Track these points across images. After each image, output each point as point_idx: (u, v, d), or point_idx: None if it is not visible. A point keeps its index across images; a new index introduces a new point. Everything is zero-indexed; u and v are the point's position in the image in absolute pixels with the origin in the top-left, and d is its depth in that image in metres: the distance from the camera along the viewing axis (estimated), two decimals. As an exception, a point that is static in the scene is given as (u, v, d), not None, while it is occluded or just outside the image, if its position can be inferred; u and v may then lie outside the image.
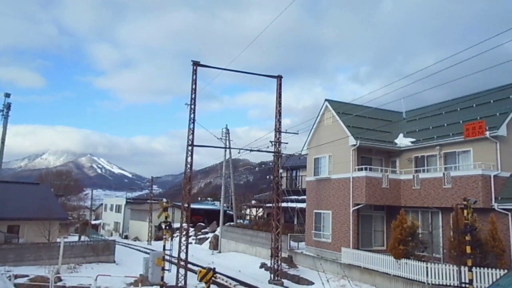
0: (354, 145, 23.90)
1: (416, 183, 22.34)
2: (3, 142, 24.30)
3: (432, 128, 24.14)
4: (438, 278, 16.94)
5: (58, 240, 27.77)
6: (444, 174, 20.81)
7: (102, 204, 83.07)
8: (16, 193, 31.32)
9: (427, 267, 17.25)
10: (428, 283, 17.07)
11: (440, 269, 17.15)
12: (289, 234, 28.80)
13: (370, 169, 23.49)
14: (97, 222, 75.07)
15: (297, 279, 22.79)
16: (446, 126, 23.19)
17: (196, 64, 22.59)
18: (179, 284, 20.64)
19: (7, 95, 24.17)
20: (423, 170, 23.08)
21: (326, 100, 27.58)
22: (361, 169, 23.37)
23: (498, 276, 14.96)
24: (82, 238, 42.47)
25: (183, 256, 21.06)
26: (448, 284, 16.69)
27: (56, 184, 67.40)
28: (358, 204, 23.21)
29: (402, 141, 25.08)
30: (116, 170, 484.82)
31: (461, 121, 21.92)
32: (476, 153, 20.51)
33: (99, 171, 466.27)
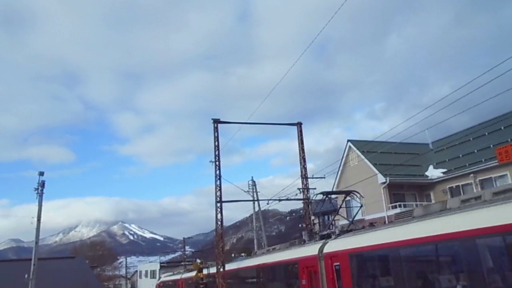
0: (384, 182, 23.40)
1: (456, 214, 21.36)
2: (39, 220, 24.84)
3: (463, 156, 23.51)
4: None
5: (96, 313, 27.40)
6: (483, 202, 19.89)
7: (136, 271, 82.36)
8: (52, 269, 31.54)
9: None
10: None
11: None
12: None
13: (404, 206, 22.75)
14: (133, 290, 74.01)
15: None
16: (476, 152, 22.55)
17: (216, 121, 23.15)
18: None
19: (41, 174, 24.97)
20: (461, 200, 22.18)
21: (348, 140, 27.51)
22: (395, 207, 22.66)
23: None
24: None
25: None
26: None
27: (90, 255, 67.64)
28: (397, 244, 22.24)
29: (433, 172, 24.42)
30: (147, 235, 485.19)
31: (491, 145, 21.31)
32: (514, 176, 19.68)
33: (131, 237, 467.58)
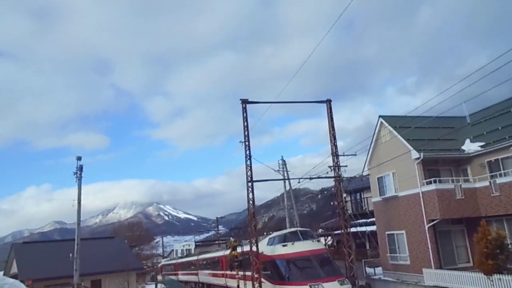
0: (418, 158, 22.77)
1: (495, 189, 20.62)
2: (79, 202, 26.06)
3: (502, 128, 22.43)
4: (541, 293, 15.29)
5: (137, 289, 28.69)
6: (525, 175, 19.06)
7: (172, 250, 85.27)
8: (94, 249, 33.19)
9: (525, 281, 15.73)
10: (530, 299, 15.47)
11: (541, 281, 15.50)
12: (363, 261, 27.47)
13: (440, 181, 22.13)
14: (170, 268, 76.80)
15: (380, 308, 21.81)
16: (517, 124, 21.49)
17: (244, 102, 23.16)
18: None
19: (79, 158, 26.06)
20: (500, 175, 21.32)
21: (380, 116, 26.83)
22: (430, 182, 22.09)
23: None
24: (159, 285, 43.56)
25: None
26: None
27: (128, 235, 70.44)
28: (432, 220, 21.78)
29: (470, 146, 23.50)
30: (182, 215, 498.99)
31: (533, 116, 20.23)
32: (558, 148, 18.66)
33: (166, 218, 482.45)
